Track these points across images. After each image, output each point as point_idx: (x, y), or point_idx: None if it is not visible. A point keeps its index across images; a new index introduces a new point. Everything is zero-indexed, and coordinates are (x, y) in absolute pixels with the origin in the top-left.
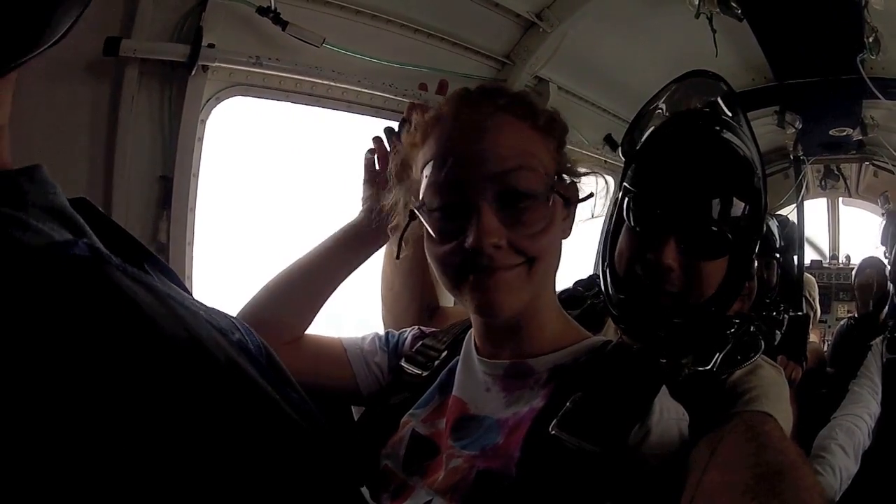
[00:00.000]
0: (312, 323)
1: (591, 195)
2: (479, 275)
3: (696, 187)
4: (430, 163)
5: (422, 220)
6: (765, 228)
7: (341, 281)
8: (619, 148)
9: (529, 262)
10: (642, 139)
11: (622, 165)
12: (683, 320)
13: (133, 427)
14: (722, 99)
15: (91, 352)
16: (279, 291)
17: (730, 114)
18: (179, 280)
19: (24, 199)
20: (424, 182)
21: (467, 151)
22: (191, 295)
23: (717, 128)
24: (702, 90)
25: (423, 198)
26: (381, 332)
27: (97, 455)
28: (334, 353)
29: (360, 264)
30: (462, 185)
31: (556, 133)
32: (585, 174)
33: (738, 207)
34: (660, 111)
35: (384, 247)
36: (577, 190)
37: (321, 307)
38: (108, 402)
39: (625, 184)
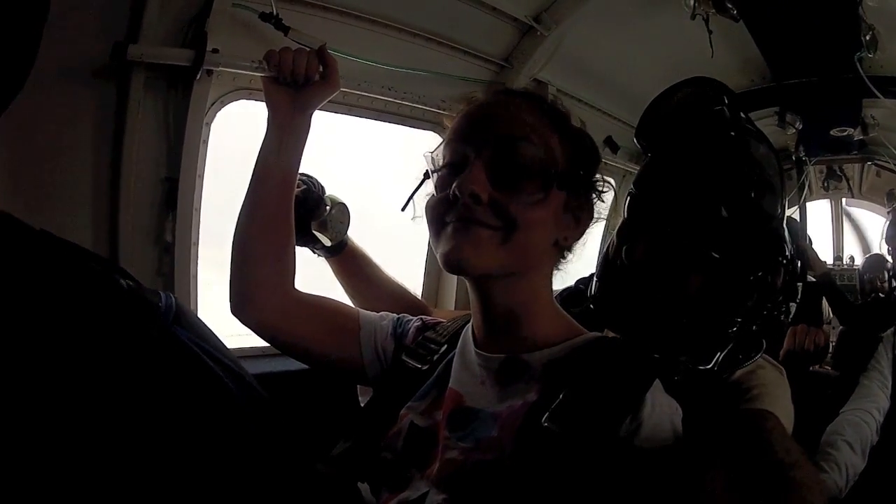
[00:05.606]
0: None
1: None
2: (455, 225)
3: (685, 202)
4: (450, 132)
5: (432, 181)
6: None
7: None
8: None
9: (508, 227)
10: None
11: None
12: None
13: None
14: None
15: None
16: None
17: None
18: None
19: None
20: (441, 147)
21: (481, 119)
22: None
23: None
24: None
25: (434, 159)
26: (396, 316)
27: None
28: (347, 327)
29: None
30: (467, 144)
31: (575, 142)
32: (596, 180)
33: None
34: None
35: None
36: (591, 207)
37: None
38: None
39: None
